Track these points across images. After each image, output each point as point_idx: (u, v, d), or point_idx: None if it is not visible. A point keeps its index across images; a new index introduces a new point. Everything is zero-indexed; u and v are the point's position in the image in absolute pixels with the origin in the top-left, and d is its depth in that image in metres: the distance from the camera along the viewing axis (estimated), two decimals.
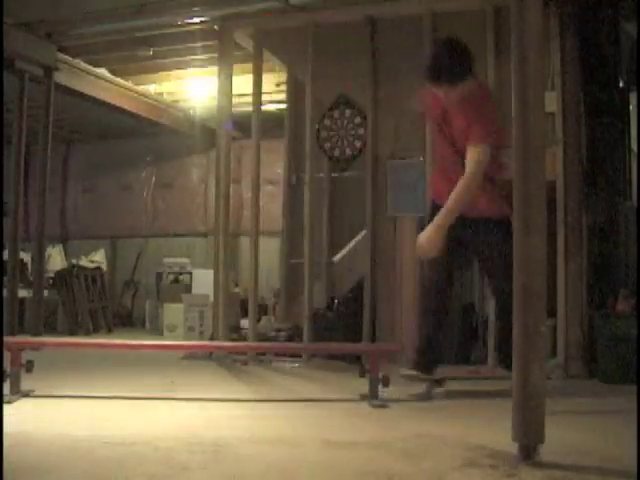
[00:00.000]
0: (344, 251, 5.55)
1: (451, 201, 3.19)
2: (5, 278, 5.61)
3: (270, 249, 7.18)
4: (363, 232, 5.17)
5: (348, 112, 5.21)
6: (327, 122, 5.26)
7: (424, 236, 3.25)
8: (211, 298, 5.92)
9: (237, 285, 7.60)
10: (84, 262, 8.00)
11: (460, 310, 5.19)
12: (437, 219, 3.21)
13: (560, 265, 4.50)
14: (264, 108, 5.76)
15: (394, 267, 4.90)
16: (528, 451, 2.16)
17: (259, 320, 5.69)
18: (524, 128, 2.23)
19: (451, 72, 3.25)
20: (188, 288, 8.06)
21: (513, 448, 2.19)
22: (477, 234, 3.39)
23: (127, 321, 9.12)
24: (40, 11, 5.51)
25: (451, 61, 3.26)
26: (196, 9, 5.32)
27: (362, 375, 3.42)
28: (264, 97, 5.68)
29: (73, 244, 9.58)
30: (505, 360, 3.21)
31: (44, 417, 2.84)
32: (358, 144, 5.16)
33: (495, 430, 2.60)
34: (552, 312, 4.36)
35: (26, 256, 6.93)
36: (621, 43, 4.83)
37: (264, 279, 5.96)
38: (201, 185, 9.31)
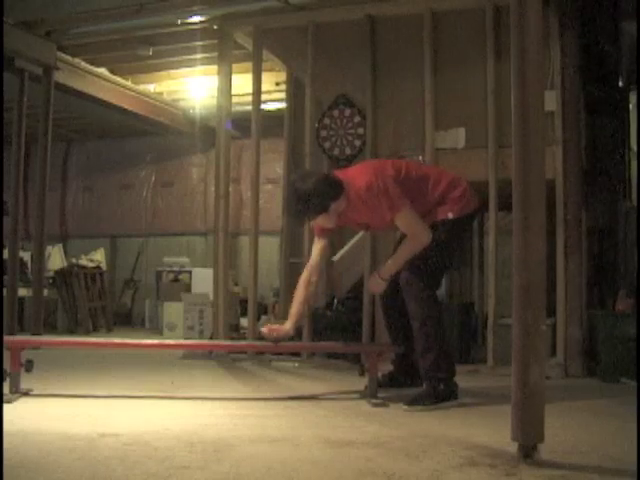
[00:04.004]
0: (344, 250, 5.54)
1: (399, 257, 3.37)
2: (5, 277, 5.60)
3: (270, 248, 7.20)
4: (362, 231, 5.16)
5: (348, 111, 5.20)
6: (327, 121, 5.25)
7: (373, 285, 3.55)
8: (211, 297, 5.93)
9: (237, 284, 7.61)
10: (84, 261, 8.00)
11: (460, 310, 5.19)
12: (384, 271, 3.43)
13: (560, 264, 4.50)
14: (264, 107, 5.76)
15: None
16: (528, 450, 2.16)
17: (259, 319, 5.69)
18: (524, 127, 2.24)
19: (309, 210, 3.28)
20: (188, 287, 8.07)
21: (513, 447, 2.20)
22: None
23: (127, 320, 9.12)
24: (40, 10, 5.51)
25: (302, 203, 3.25)
26: (196, 8, 5.32)
27: (361, 374, 3.44)
28: (264, 96, 5.67)
29: (73, 243, 9.59)
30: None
31: (44, 416, 2.84)
32: (358, 143, 5.16)
33: (495, 429, 2.61)
34: (552, 311, 4.37)
35: (26, 255, 6.93)
36: (621, 42, 4.83)
37: (264, 278, 5.95)
38: (201, 184, 9.31)
